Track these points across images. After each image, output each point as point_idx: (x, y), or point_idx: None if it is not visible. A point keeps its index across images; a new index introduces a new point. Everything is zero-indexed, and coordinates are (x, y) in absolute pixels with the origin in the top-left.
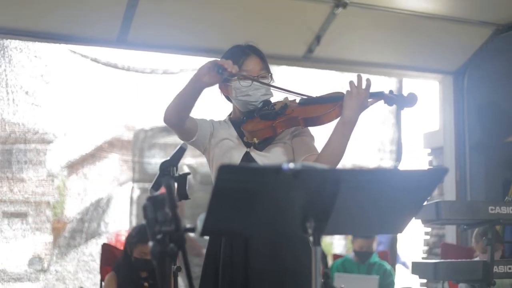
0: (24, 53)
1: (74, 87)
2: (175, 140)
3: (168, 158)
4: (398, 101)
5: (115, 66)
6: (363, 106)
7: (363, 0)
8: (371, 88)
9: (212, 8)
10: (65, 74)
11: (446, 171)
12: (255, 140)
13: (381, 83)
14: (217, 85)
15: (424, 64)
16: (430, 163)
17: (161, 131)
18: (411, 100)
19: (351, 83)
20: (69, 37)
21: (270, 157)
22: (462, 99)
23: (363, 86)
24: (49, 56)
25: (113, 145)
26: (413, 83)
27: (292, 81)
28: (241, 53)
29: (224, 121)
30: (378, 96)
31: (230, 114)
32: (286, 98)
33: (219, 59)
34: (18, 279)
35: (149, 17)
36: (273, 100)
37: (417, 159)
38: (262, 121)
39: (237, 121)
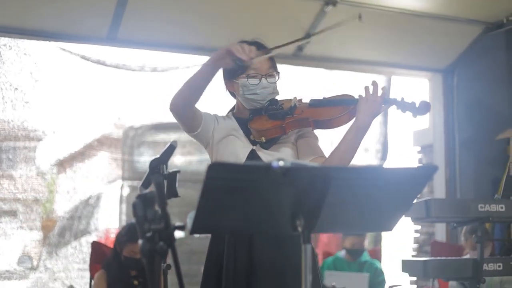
0: (14, 50)
1: (63, 85)
2: (164, 138)
3: (158, 156)
4: (412, 108)
5: (104, 64)
6: (377, 113)
7: None
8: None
9: (201, 6)
10: (55, 72)
11: (435, 169)
12: (263, 139)
13: (371, 81)
14: (222, 80)
15: (414, 62)
16: (420, 161)
17: (151, 129)
18: (424, 108)
19: (366, 88)
20: (58, 34)
21: (278, 156)
22: (452, 97)
23: (379, 93)
24: (39, 53)
25: (102, 143)
26: (402, 81)
27: (282, 79)
28: None
29: (227, 116)
30: (392, 102)
31: (232, 110)
32: (295, 98)
33: (237, 45)
34: (7, 277)
35: (139, 15)
36: (278, 98)
37: (406, 157)
38: (271, 120)
39: (241, 117)
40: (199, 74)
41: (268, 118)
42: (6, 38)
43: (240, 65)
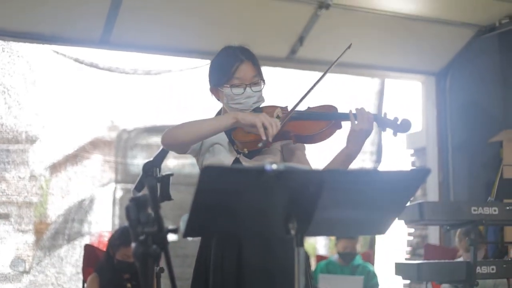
0: (7, 53)
1: (57, 88)
2: (157, 140)
3: (151, 159)
4: (392, 126)
5: (97, 67)
6: (366, 137)
7: (346, 1)
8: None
9: (195, 9)
10: (48, 75)
11: (428, 172)
12: (245, 151)
13: (365, 84)
14: (208, 88)
15: (407, 65)
16: (413, 163)
17: (144, 132)
18: (405, 126)
19: (355, 116)
20: (52, 37)
21: None
22: (445, 100)
23: (367, 119)
24: (32, 56)
25: (95, 145)
26: (396, 84)
27: (275, 82)
28: (235, 58)
29: None
30: (374, 120)
31: (219, 113)
32: (278, 109)
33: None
34: (0, 280)
35: (132, 18)
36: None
37: (400, 159)
38: (253, 132)
39: None
40: (213, 124)
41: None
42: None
43: (264, 145)
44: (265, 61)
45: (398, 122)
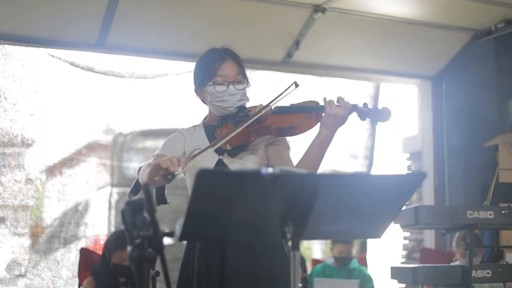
0: (2, 56)
1: (52, 91)
2: (153, 144)
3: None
4: (372, 115)
5: (93, 70)
6: (341, 125)
7: (342, 5)
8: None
9: (191, 13)
10: (44, 78)
11: (424, 176)
12: (228, 147)
13: (359, 87)
14: (193, 89)
15: (403, 69)
16: (409, 167)
17: (140, 135)
18: (384, 114)
19: (330, 102)
20: (47, 40)
21: (243, 163)
22: (441, 104)
23: (344, 106)
24: (28, 59)
25: (91, 149)
26: (391, 88)
27: (271, 86)
28: (217, 57)
29: (198, 126)
30: (353, 109)
31: (205, 118)
32: (261, 105)
33: (161, 161)
34: None
35: (128, 21)
36: (248, 104)
37: (395, 163)
38: (235, 127)
39: (211, 125)
40: (149, 173)
41: (233, 126)
42: None
43: (171, 178)
44: (261, 64)
45: (377, 112)
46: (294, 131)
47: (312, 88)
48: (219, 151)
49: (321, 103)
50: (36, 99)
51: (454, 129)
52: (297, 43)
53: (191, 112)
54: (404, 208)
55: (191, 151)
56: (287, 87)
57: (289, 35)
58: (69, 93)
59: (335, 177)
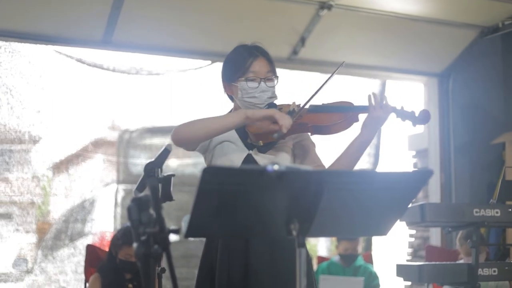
0: (9, 53)
1: (59, 88)
2: (159, 141)
3: (153, 159)
4: (412, 117)
5: (100, 67)
6: (381, 126)
7: (348, 2)
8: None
9: (197, 10)
10: (50, 75)
11: (430, 173)
12: (261, 143)
13: (365, 85)
14: (221, 83)
15: (409, 66)
16: (415, 165)
17: (146, 132)
18: (424, 117)
19: (375, 104)
20: (54, 38)
21: (276, 160)
22: (447, 101)
23: (386, 108)
24: (34, 56)
25: (97, 146)
26: (397, 85)
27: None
28: (249, 54)
29: None
30: (392, 110)
31: (231, 111)
32: (294, 103)
33: (282, 114)
34: (3, 279)
35: (134, 18)
36: (278, 102)
37: (401, 161)
38: (264, 127)
39: None
40: (223, 121)
41: None
42: (2, 41)
43: (277, 137)
44: None
45: (416, 114)
46: (330, 130)
47: (318, 86)
48: (249, 146)
49: (355, 103)
50: (43, 96)
51: (460, 127)
52: (302, 40)
53: (196, 108)
54: (410, 205)
55: (220, 142)
56: (336, 68)
57: (294, 32)
58: (75, 90)
59: (341, 174)
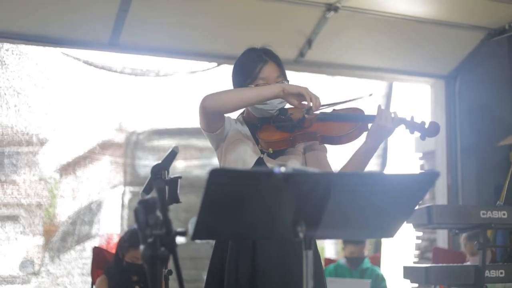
0: (16, 55)
1: (66, 90)
2: (167, 143)
3: (160, 161)
4: (421, 129)
5: (107, 69)
6: (388, 136)
7: (354, 4)
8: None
9: (204, 12)
10: (58, 77)
11: (437, 175)
12: (270, 150)
13: (371, 87)
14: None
15: (416, 68)
16: (422, 167)
17: (153, 134)
18: (433, 129)
19: (383, 113)
20: (61, 40)
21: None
22: (454, 103)
23: (392, 118)
24: (42, 58)
25: (105, 148)
26: (404, 87)
27: None
28: (259, 59)
29: (239, 120)
30: (401, 122)
31: (243, 113)
32: (304, 110)
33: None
34: (10, 281)
35: (141, 21)
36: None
37: (408, 163)
38: (279, 131)
39: (251, 122)
40: (257, 93)
41: (276, 129)
42: (9, 44)
43: (307, 111)
44: None
45: (426, 126)
46: (340, 141)
47: (325, 88)
48: (261, 150)
49: (366, 112)
50: (50, 98)
51: (467, 128)
52: (309, 42)
53: None
54: (417, 207)
55: (235, 140)
56: (360, 96)
57: (301, 34)
58: (82, 92)
59: (348, 176)
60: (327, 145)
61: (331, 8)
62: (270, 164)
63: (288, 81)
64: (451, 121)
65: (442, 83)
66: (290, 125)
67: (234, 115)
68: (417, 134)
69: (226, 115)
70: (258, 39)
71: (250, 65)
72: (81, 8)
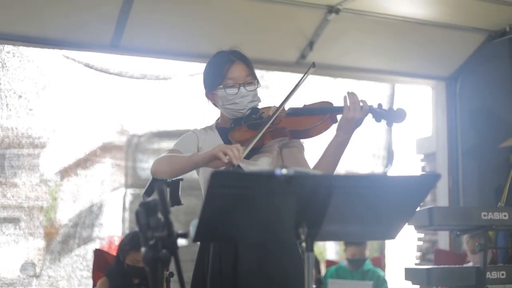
0: (17, 57)
1: (67, 92)
2: (168, 145)
3: None
4: (387, 116)
5: (108, 72)
6: (357, 127)
7: (356, 6)
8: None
9: (205, 14)
10: (58, 79)
11: (438, 177)
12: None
13: (374, 89)
14: (203, 92)
15: (417, 70)
16: (423, 169)
17: (154, 137)
18: (399, 115)
19: (350, 105)
20: (62, 42)
21: (258, 166)
22: (455, 105)
23: (361, 107)
24: (42, 61)
25: (105, 150)
26: (406, 89)
27: (285, 87)
28: (226, 60)
29: (210, 128)
30: (369, 111)
31: (218, 119)
32: (274, 106)
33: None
34: (10, 284)
35: (142, 23)
36: (260, 105)
37: (409, 165)
38: (249, 130)
39: (224, 127)
40: (186, 162)
41: (247, 128)
42: (10, 46)
43: (231, 165)
44: (275, 65)
45: (391, 113)
46: (308, 134)
47: (326, 90)
48: None
49: (335, 103)
50: (51, 101)
51: (468, 130)
52: (311, 44)
53: (205, 113)
54: (418, 209)
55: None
56: (305, 71)
57: (303, 36)
58: (83, 94)
59: (350, 178)
60: (301, 140)
61: (332, 10)
62: (244, 165)
63: (257, 80)
64: (452, 123)
65: (443, 85)
66: (260, 123)
67: (210, 123)
68: (384, 121)
69: (191, 133)
70: (260, 41)
71: (218, 66)
72: (83, 10)
